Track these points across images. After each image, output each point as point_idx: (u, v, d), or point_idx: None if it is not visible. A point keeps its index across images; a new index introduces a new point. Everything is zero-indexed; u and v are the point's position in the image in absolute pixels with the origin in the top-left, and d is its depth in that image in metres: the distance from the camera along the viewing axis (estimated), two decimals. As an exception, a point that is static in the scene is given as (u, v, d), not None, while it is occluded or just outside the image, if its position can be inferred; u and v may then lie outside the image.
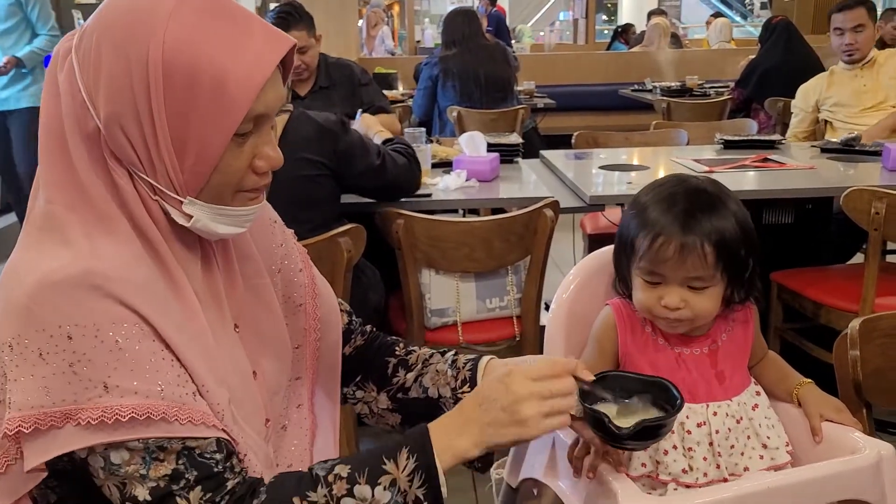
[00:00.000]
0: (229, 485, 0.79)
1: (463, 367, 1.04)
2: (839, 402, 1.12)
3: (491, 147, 2.61)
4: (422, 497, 0.81)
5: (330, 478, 0.81)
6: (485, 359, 1.05)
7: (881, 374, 1.19)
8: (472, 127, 3.59)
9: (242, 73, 0.77)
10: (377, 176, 2.07)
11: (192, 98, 0.76)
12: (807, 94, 3.31)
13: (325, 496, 0.79)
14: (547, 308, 2.56)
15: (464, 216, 2.71)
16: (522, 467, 1.21)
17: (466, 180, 2.39)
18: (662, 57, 6.05)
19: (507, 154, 2.72)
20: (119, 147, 0.78)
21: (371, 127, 2.40)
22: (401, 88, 5.39)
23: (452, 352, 1.08)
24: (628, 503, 0.94)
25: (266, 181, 0.85)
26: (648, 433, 0.91)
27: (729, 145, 2.90)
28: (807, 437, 1.11)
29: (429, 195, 2.26)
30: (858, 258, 2.91)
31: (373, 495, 0.80)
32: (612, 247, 1.33)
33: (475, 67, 4.20)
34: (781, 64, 4.18)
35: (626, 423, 0.91)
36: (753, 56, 4.52)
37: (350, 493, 0.80)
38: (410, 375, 1.06)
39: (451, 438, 0.85)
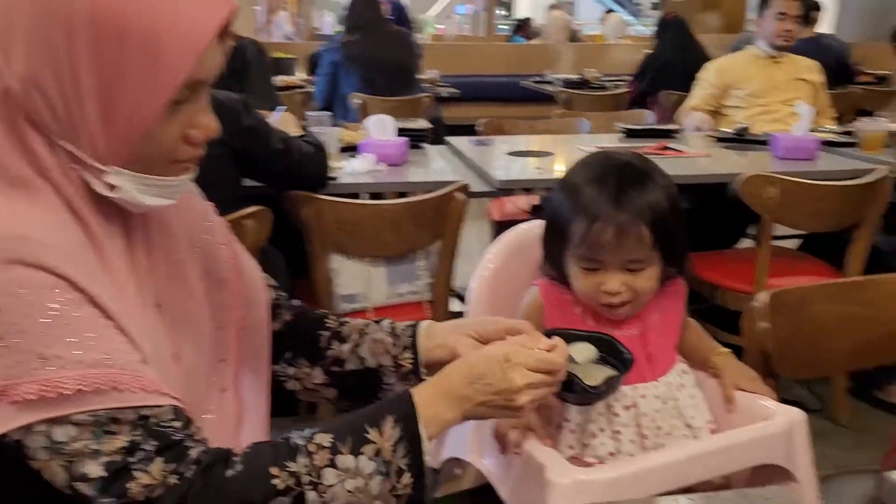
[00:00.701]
0: (193, 453, 0.73)
1: (402, 334, 1.01)
2: (753, 371, 1.16)
3: (399, 132, 2.58)
4: (405, 468, 0.79)
5: (310, 447, 0.77)
6: (423, 324, 1.02)
7: (788, 345, 1.23)
8: (376, 114, 3.54)
9: (182, 34, 0.71)
10: (280, 160, 1.99)
11: (123, 59, 0.70)
12: (719, 69, 3.35)
13: (307, 466, 0.76)
14: (458, 297, 2.57)
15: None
16: (444, 448, 1.19)
17: (375, 164, 2.35)
18: (562, 50, 6.17)
19: (414, 139, 2.70)
20: (36, 110, 0.71)
21: (289, 125, 2.30)
22: (300, 74, 5.26)
23: (388, 320, 1.04)
24: (556, 477, 0.94)
25: (200, 152, 0.80)
26: (610, 389, 0.95)
27: (631, 134, 2.98)
28: (723, 405, 1.14)
29: (335, 179, 2.21)
30: (743, 243, 3.07)
31: (357, 465, 0.77)
32: (530, 224, 1.33)
33: (378, 54, 4.14)
34: (675, 59, 4.33)
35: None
36: (650, 51, 4.66)
37: (332, 464, 0.76)
38: (346, 347, 1.02)
39: (437, 409, 0.83)
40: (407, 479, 0.79)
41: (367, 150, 2.40)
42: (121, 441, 0.70)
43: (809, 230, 2.63)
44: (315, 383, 1.03)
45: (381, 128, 2.50)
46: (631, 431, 1.10)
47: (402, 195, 2.29)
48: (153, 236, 0.84)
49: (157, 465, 0.71)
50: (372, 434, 0.79)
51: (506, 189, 2.35)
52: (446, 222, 2.05)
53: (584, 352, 1.00)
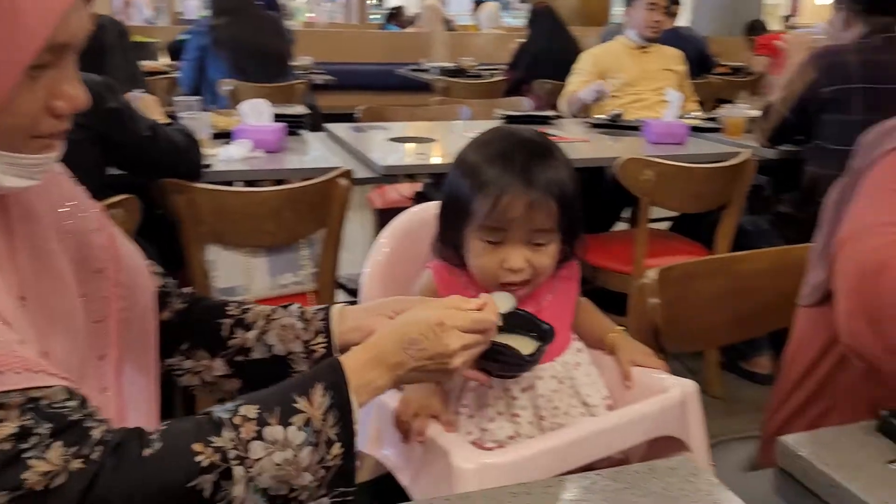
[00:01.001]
0: (96, 434, 0.65)
1: (313, 318, 0.96)
2: (646, 347, 1.18)
3: (276, 118, 2.47)
4: (335, 437, 0.75)
5: (236, 420, 0.71)
6: (336, 307, 0.97)
7: (675, 320, 1.26)
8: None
9: None
10: (149, 149, 1.86)
11: None
12: (595, 58, 3.44)
13: (233, 440, 0.70)
14: (342, 287, 2.51)
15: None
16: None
17: (252, 150, 2.24)
18: (438, 39, 6.18)
19: (292, 125, 2.60)
20: None
21: (151, 110, 2.15)
22: (164, 59, 4.99)
23: (296, 305, 0.98)
24: (461, 462, 0.91)
25: (65, 125, 0.71)
26: (539, 358, 0.98)
27: (510, 121, 3.00)
28: (620, 381, 1.15)
29: (209, 166, 2.09)
30: (618, 228, 3.17)
31: (286, 436, 0.72)
32: (422, 207, 1.30)
33: (249, 39, 3.98)
34: (547, 48, 4.42)
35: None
36: (523, 40, 4.73)
37: (259, 436, 0.71)
38: (251, 335, 0.95)
39: (369, 376, 0.81)
40: (337, 449, 0.75)
41: (243, 136, 2.29)
42: (9, 427, 0.62)
43: (683, 210, 2.75)
44: (216, 375, 0.96)
45: (256, 113, 2.39)
46: (529, 413, 1.08)
47: (279, 183, 2.21)
48: (14, 222, 0.75)
49: (56, 451, 0.63)
50: (301, 403, 0.75)
51: (390, 175, 2.31)
52: (330, 209, 1.98)
53: (504, 302, 1.00)
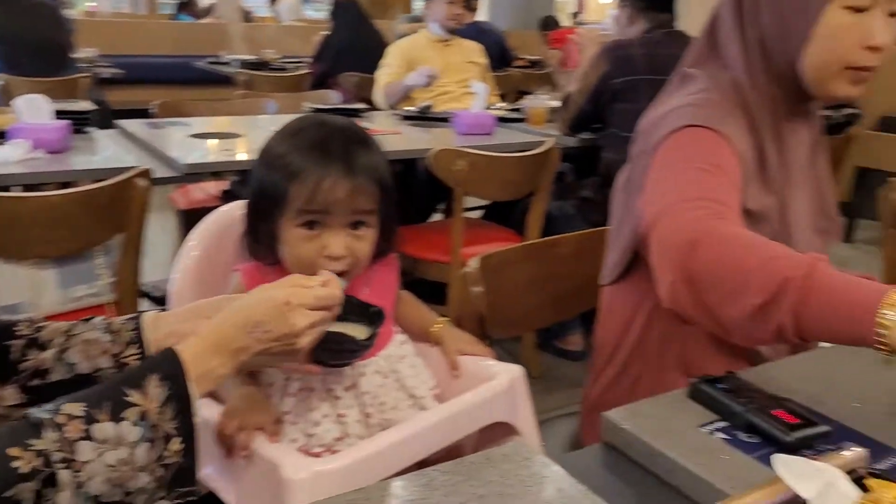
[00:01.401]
0: None
1: (121, 329, 0.86)
2: (471, 335, 1.18)
3: (57, 114, 2.24)
4: (174, 431, 0.68)
5: (59, 419, 0.63)
6: (147, 315, 0.88)
7: (497, 306, 1.28)
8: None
9: None
10: None
11: None
12: (403, 51, 3.46)
13: (56, 441, 0.62)
14: (146, 296, 2.32)
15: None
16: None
17: (31, 151, 2.01)
18: (237, 30, 5.93)
19: (77, 122, 2.37)
20: None
21: None
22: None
23: (100, 318, 0.88)
24: (292, 473, 0.86)
25: None
26: (371, 344, 0.96)
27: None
28: (448, 372, 1.15)
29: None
30: (435, 219, 3.21)
31: (118, 433, 0.65)
32: (231, 206, 1.22)
33: (22, 30, 3.60)
34: (353, 41, 4.37)
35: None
36: (326, 33, 4.65)
37: (88, 435, 0.63)
38: (48, 355, 0.84)
39: (209, 364, 0.75)
40: (176, 444, 0.69)
41: (20, 136, 2.05)
42: None
43: (495, 199, 2.83)
44: (7, 406, 0.83)
45: (33, 110, 2.15)
46: (355, 412, 1.05)
47: (65, 186, 2.00)
48: None
49: None
50: (134, 396, 0.68)
51: (193, 174, 2.16)
52: (127, 213, 1.82)
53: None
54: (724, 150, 1.05)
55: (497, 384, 1.07)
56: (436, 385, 1.14)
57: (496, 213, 2.95)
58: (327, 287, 0.87)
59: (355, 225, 1.03)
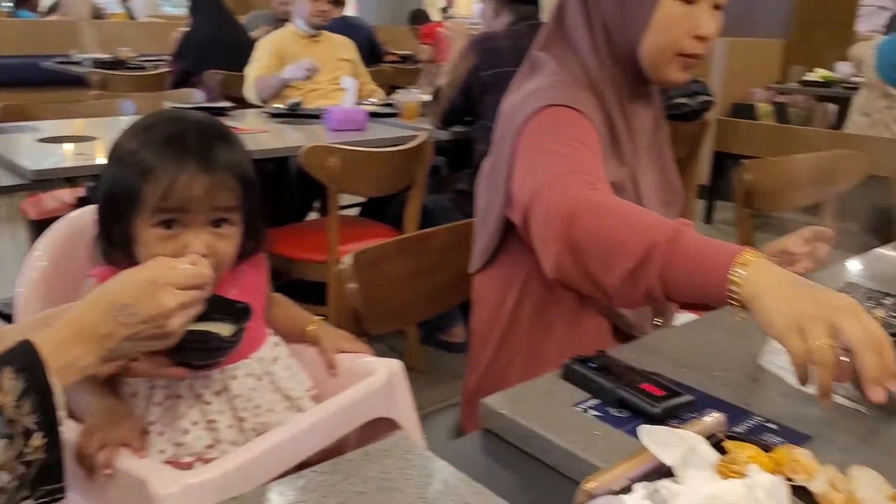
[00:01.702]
0: None
1: None
2: (348, 333, 1.16)
3: None
4: (34, 427, 0.64)
5: None
6: None
7: (374, 303, 1.26)
8: None
9: None
10: None
11: None
12: (272, 46, 3.37)
13: None
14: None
15: None
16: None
17: None
18: (87, 28, 5.59)
19: None
20: None
21: None
22: None
23: None
24: (162, 488, 0.81)
25: None
26: (238, 340, 0.93)
27: (182, 113, 2.82)
28: (326, 371, 1.12)
29: None
30: (312, 217, 3.16)
31: None
32: (82, 211, 1.14)
33: None
34: (216, 37, 4.21)
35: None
36: (187, 29, 4.47)
37: None
38: None
39: (71, 355, 0.70)
40: (38, 440, 0.65)
41: None
42: None
43: (370, 195, 2.80)
44: None
45: None
46: (227, 417, 1.01)
47: None
48: None
49: None
50: None
51: (43, 181, 2.02)
52: (-30, 224, 1.68)
53: None
54: (584, 125, 1.11)
55: (375, 380, 1.06)
56: (313, 386, 1.11)
57: (373, 209, 2.93)
58: (198, 266, 0.83)
59: (217, 223, 0.98)
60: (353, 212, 3.09)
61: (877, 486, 0.65)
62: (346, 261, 1.22)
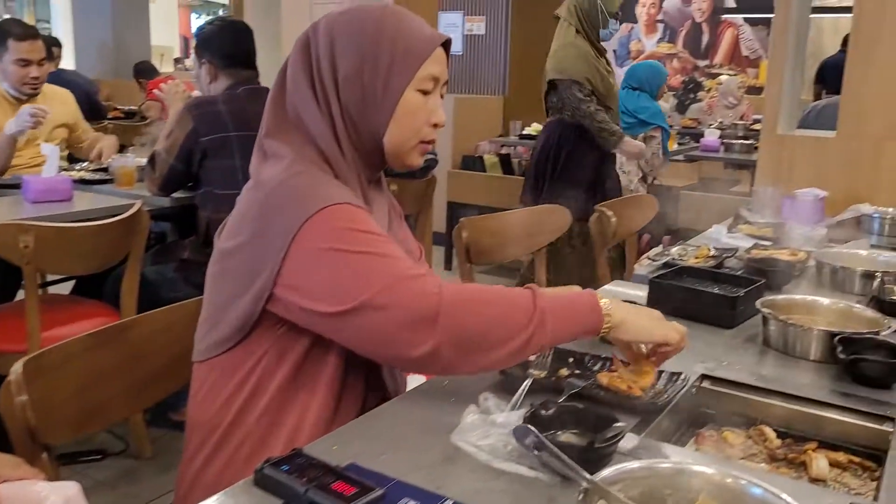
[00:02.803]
0: None
1: None
2: (14, 458, 1.01)
3: None
4: None
5: None
6: None
7: (59, 410, 1.13)
8: None
9: None
10: None
11: None
12: None
13: None
14: None
15: None
16: None
17: None
18: None
19: None
20: None
21: None
22: None
23: None
24: None
25: None
26: None
27: None
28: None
29: None
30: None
31: None
32: None
33: None
34: None
35: None
36: None
37: None
38: None
39: None
40: None
41: None
42: None
43: (78, 273, 2.56)
44: None
45: None
46: None
47: None
48: None
49: None
50: None
51: None
52: None
53: None
54: (365, 215, 1.11)
55: (48, 508, 0.93)
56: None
57: (87, 284, 2.68)
58: None
59: None
60: (67, 286, 2.81)
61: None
62: (16, 369, 1.08)
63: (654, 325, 1.13)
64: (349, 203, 1.10)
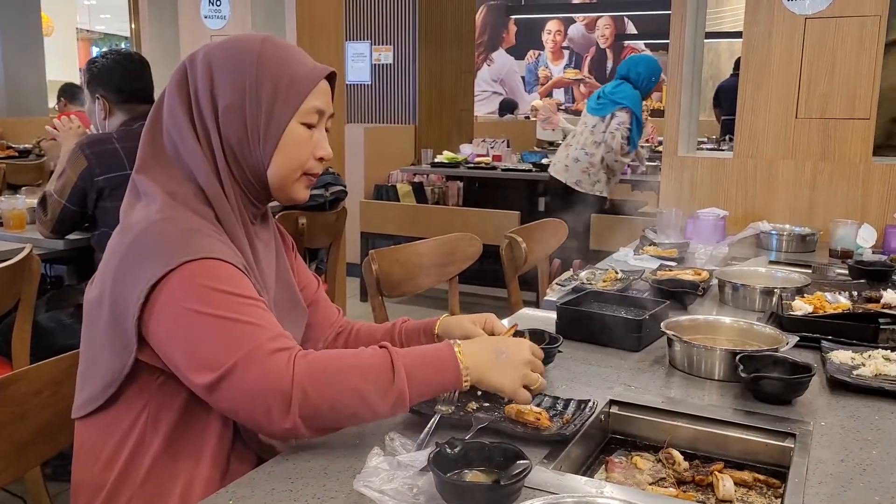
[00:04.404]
0: None
1: None
2: None
3: None
4: None
5: None
6: None
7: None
8: None
9: None
10: None
11: None
12: None
13: None
14: None
15: None
16: None
17: None
18: None
19: None
20: None
21: None
22: None
23: None
24: None
25: None
26: None
27: None
28: None
29: None
30: None
31: None
32: None
33: None
34: None
35: None
36: None
37: None
38: None
39: None
40: None
41: None
42: None
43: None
44: None
45: None
46: None
47: None
48: None
49: None
50: None
51: None
52: None
53: None
54: (234, 272, 1.05)
55: None
56: None
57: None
58: None
59: None
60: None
61: None
62: None
63: (506, 380, 1.10)
64: (218, 258, 1.04)
